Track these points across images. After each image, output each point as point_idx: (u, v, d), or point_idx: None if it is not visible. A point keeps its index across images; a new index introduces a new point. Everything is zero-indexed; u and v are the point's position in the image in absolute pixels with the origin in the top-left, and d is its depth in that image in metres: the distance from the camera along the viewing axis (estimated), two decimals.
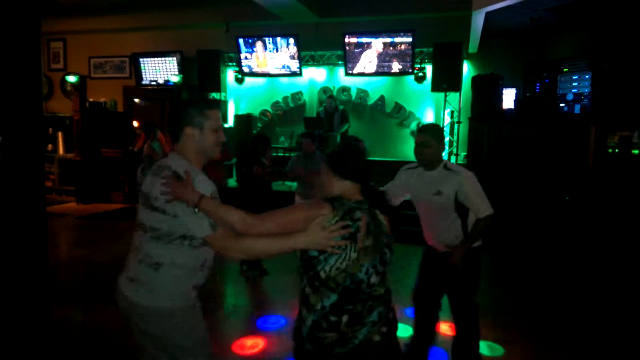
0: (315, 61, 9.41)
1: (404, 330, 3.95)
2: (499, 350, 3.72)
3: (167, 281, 1.87)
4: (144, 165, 6.88)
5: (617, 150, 5.25)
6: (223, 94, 9.82)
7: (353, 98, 9.37)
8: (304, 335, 1.74)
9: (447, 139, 8.52)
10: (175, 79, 10.06)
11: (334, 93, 9.22)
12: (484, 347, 3.75)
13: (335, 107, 8.57)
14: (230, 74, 10.05)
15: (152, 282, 1.87)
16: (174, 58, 10.07)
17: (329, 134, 8.37)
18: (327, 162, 1.85)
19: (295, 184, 6.03)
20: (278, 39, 9.15)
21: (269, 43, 9.23)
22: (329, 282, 1.69)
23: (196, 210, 1.75)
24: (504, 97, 7.01)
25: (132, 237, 1.97)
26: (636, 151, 5.17)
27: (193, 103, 2.01)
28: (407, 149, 8.98)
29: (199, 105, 1.97)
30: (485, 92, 7.02)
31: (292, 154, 6.96)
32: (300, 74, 9.34)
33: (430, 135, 2.83)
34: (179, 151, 1.93)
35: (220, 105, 9.53)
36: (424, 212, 3.01)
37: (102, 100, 10.43)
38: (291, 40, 9.05)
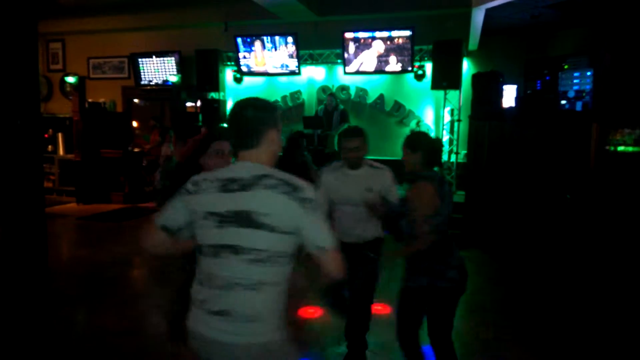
0: (314, 60, 9.38)
1: None
2: (500, 348, 3.71)
3: (271, 305, 1.64)
4: (166, 169, 6.55)
5: (619, 148, 5.23)
6: (222, 93, 9.80)
7: (352, 97, 9.34)
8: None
9: (447, 138, 8.50)
10: (173, 78, 10.04)
11: (333, 92, 9.19)
12: (483, 345, 3.73)
13: (336, 106, 8.53)
14: (228, 74, 10.02)
15: (254, 311, 1.61)
16: (173, 58, 10.05)
17: (327, 133, 8.34)
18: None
19: None
20: (277, 37, 9.12)
21: (268, 42, 9.20)
22: None
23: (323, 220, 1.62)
24: (505, 94, 6.98)
25: (204, 268, 1.68)
26: (638, 148, 5.14)
27: (268, 103, 1.76)
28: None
29: (273, 104, 1.80)
30: (485, 90, 6.99)
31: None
32: (299, 73, 9.31)
33: (362, 139, 3.09)
34: (254, 158, 1.68)
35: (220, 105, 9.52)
36: (350, 211, 3.09)
37: (102, 100, 10.41)
38: (290, 39, 9.02)
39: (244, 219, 1.60)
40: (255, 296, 1.60)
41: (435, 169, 2.79)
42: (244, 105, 1.69)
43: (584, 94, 6.21)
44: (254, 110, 1.67)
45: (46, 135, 10.25)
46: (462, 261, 2.76)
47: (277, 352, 1.64)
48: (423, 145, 2.73)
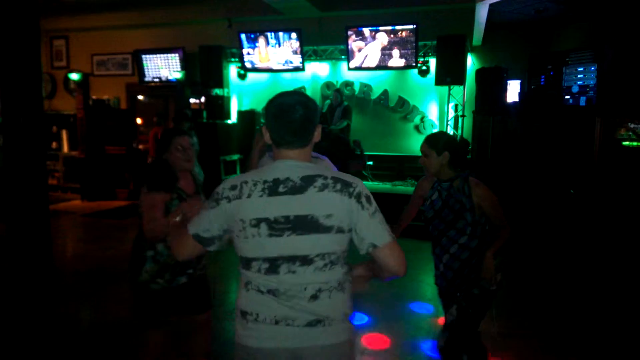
0: (318, 56, 9.37)
1: (408, 325, 3.94)
2: (501, 344, 3.71)
3: (348, 303, 1.62)
4: None
5: (623, 143, 5.21)
6: (226, 90, 9.80)
7: (356, 93, 9.32)
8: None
9: (451, 133, 8.48)
10: (177, 75, 10.05)
11: (338, 87, 9.18)
12: (484, 340, 3.74)
13: (340, 102, 8.53)
14: (232, 70, 10.03)
15: (340, 310, 1.58)
16: (176, 54, 10.05)
17: (323, 127, 8.32)
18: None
19: None
20: (280, 33, 9.11)
21: (272, 38, 9.20)
22: None
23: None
24: (509, 90, 6.95)
25: (262, 284, 1.56)
26: None
27: (314, 100, 1.66)
28: (411, 144, 8.95)
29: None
30: (489, 85, 6.97)
31: None
32: (303, 69, 9.30)
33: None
34: (299, 157, 1.60)
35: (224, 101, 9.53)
36: None
37: (105, 97, 10.44)
38: (293, 35, 9.01)
39: (305, 225, 1.50)
40: (341, 297, 1.58)
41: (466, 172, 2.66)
42: (293, 102, 1.56)
43: (588, 89, 6.18)
44: (305, 110, 1.56)
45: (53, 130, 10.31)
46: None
47: (351, 350, 1.65)
48: (448, 145, 2.58)
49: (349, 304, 1.62)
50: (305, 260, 1.52)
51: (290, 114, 1.55)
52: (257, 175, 1.56)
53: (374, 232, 1.53)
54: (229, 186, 1.56)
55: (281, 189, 1.51)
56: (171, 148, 2.51)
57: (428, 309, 4.40)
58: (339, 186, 1.51)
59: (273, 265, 1.53)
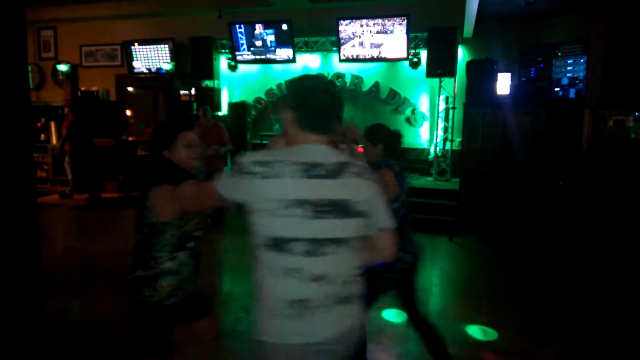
0: (309, 47, 9.33)
1: (398, 316, 3.98)
2: (493, 334, 3.75)
3: (362, 285, 1.69)
4: None
5: (611, 135, 5.24)
6: (216, 81, 9.74)
7: (348, 85, 9.30)
8: None
9: (442, 125, 8.50)
10: (167, 66, 9.97)
11: (330, 79, 9.15)
12: (478, 331, 3.78)
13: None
14: (223, 61, 9.96)
15: (360, 289, 1.66)
16: (166, 45, 9.96)
17: None
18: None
19: None
20: (271, 25, 9.06)
21: (262, 29, 9.14)
22: None
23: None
24: (499, 82, 6.97)
25: (302, 269, 1.51)
26: (632, 135, 5.16)
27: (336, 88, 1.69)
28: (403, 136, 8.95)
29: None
30: (480, 77, 6.98)
31: None
32: (294, 61, 9.27)
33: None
34: (327, 143, 1.60)
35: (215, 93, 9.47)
36: None
37: (94, 89, 10.33)
38: (284, 27, 8.96)
39: (342, 209, 1.51)
40: (361, 282, 1.66)
41: (392, 161, 2.91)
42: (319, 87, 1.55)
43: (577, 81, 6.21)
44: (332, 97, 1.57)
45: (39, 125, 10.19)
46: (417, 245, 2.95)
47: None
48: (382, 138, 2.92)
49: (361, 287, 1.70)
50: (343, 243, 1.54)
51: (318, 98, 1.54)
52: (290, 156, 1.52)
53: (384, 217, 1.65)
54: (257, 161, 1.50)
55: (319, 172, 1.51)
56: (178, 145, 2.23)
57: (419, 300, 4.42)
58: (366, 174, 1.61)
59: (312, 249, 1.50)
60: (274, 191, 1.47)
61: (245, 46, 9.39)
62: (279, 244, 1.49)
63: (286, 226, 1.48)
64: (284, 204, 1.46)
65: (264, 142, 6.63)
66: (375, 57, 8.73)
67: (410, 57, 8.60)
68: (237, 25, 9.22)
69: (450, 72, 7.98)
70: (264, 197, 1.47)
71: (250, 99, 9.83)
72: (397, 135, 3.05)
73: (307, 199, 1.47)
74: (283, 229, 1.48)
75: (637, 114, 4.98)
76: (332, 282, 1.53)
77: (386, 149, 2.92)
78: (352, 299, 1.60)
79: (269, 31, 9.13)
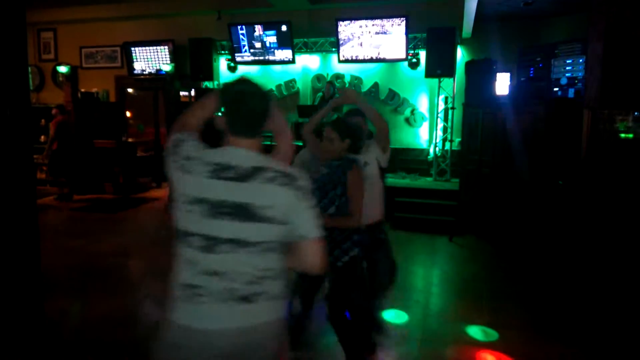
0: (309, 48, 9.34)
1: (399, 316, 3.98)
2: (494, 335, 3.75)
3: (282, 289, 1.67)
4: None
5: (621, 135, 5.23)
6: (216, 82, 9.75)
7: (347, 85, 9.31)
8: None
9: (441, 125, 8.51)
10: (167, 68, 9.98)
11: (329, 80, 9.16)
12: (478, 332, 3.78)
13: (332, 94, 8.51)
14: (222, 62, 9.97)
15: (272, 294, 1.63)
16: (166, 47, 9.98)
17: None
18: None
19: None
20: (270, 26, 9.07)
21: (261, 30, 9.15)
22: None
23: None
24: (498, 82, 6.98)
25: (200, 262, 1.58)
26: (630, 135, 5.16)
27: (267, 91, 1.69)
28: (402, 136, 8.98)
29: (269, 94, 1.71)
30: (479, 78, 6.99)
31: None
32: (293, 62, 9.28)
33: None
34: (250, 147, 1.63)
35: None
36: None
37: (94, 90, 10.33)
38: (283, 28, 8.97)
39: (243, 213, 1.54)
40: (274, 284, 1.62)
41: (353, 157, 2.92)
42: (247, 92, 1.61)
43: (576, 81, 6.22)
44: (260, 101, 1.61)
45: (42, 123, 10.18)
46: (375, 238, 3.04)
47: (281, 330, 1.69)
48: (351, 134, 2.88)
49: (283, 290, 1.67)
50: (243, 244, 1.55)
51: (246, 103, 1.60)
52: (206, 156, 1.59)
53: (306, 224, 1.60)
54: (186, 155, 1.59)
55: (228, 174, 1.55)
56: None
57: (419, 300, 4.43)
58: (285, 180, 1.57)
59: (209, 245, 1.55)
60: (183, 186, 1.57)
61: (244, 47, 9.40)
62: (182, 236, 1.59)
63: (187, 220, 1.57)
64: (187, 199, 1.55)
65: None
66: (374, 57, 8.74)
67: (409, 57, 8.61)
68: (238, 27, 9.23)
69: (449, 72, 7.99)
70: (177, 189, 1.58)
71: None
72: (361, 130, 3.08)
73: (207, 198, 1.54)
74: (185, 222, 1.57)
75: (636, 113, 4.98)
76: (228, 279, 1.56)
77: (351, 144, 2.88)
78: (256, 300, 1.58)
79: (268, 32, 9.15)
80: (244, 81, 1.65)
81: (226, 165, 1.56)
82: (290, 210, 1.58)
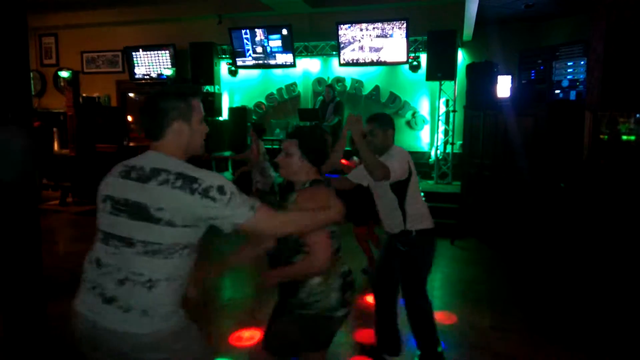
0: (309, 52, 9.35)
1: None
2: (495, 337, 3.74)
3: (162, 299, 1.59)
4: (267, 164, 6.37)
5: (622, 137, 5.23)
6: (217, 86, 9.77)
7: (348, 89, 9.33)
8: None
9: (442, 128, 8.51)
10: (168, 72, 10.00)
11: (330, 83, 9.17)
12: (479, 334, 3.77)
13: (332, 98, 8.52)
14: (223, 66, 9.99)
15: (145, 304, 1.56)
16: (167, 51, 10.00)
17: (319, 124, 8.34)
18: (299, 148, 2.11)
19: None
20: (271, 30, 9.10)
21: (262, 34, 9.17)
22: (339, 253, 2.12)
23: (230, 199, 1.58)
24: (499, 84, 6.98)
25: (95, 252, 1.68)
26: (632, 137, 5.15)
27: (176, 92, 1.70)
28: (403, 139, 8.97)
29: (183, 94, 1.70)
30: (480, 80, 6.99)
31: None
32: (294, 65, 9.29)
33: (377, 124, 3.09)
34: (160, 149, 1.67)
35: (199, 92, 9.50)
36: (376, 198, 3.17)
37: (96, 95, 10.35)
38: (284, 31, 8.99)
39: (137, 212, 1.57)
40: (148, 293, 1.57)
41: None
42: (155, 93, 1.69)
43: (577, 83, 6.22)
44: (161, 100, 1.66)
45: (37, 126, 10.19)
46: None
47: (166, 341, 1.60)
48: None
49: (165, 300, 1.60)
50: (129, 243, 1.58)
51: (144, 108, 1.68)
52: (128, 160, 1.70)
53: (232, 215, 1.59)
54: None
55: (132, 175, 1.62)
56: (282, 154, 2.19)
57: None
58: (179, 183, 1.55)
59: (107, 240, 1.63)
60: (102, 185, 1.70)
61: (246, 51, 9.42)
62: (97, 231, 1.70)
63: (98, 216, 1.69)
64: (101, 197, 1.68)
65: (266, 146, 6.64)
66: (375, 61, 8.74)
67: (410, 60, 8.62)
68: (242, 31, 9.25)
69: (450, 75, 7.99)
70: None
71: (250, 104, 9.85)
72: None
73: (111, 195, 1.64)
74: (98, 217, 1.69)
75: (637, 115, 4.97)
76: (105, 275, 1.61)
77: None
78: (120, 303, 1.56)
79: (269, 36, 9.16)
80: (165, 86, 1.76)
81: (134, 166, 1.64)
82: (199, 213, 1.56)
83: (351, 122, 2.64)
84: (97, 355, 1.67)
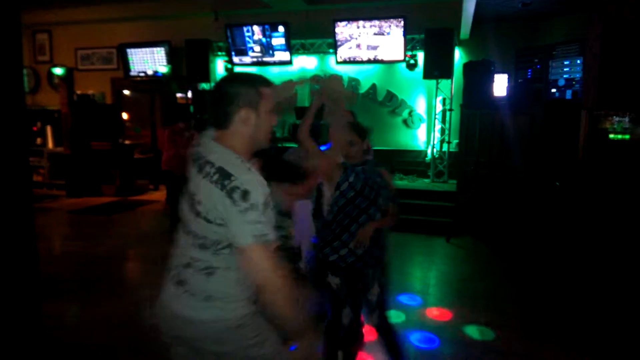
0: (306, 49, 9.32)
1: (396, 317, 3.97)
2: (490, 334, 3.75)
3: (223, 287, 1.56)
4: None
5: (609, 136, 5.25)
6: (213, 84, 9.72)
7: (345, 87, 9.30)
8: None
9: (439, 127, 8.51)
10: (163, 69, 9.94)
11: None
12: (475, 331, 3.77)
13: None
14: (219, 64, 9.94)
15: (206, 290, 1.55)
16: (162, 48, 9.93)
17: (316, 123, 8.31)
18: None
19: None
20: (268, 27, 9.06)
21: (259, 31, 9.14)
22: None
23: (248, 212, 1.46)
24: (496, 83, 6.98)
25: (177, 237, 1.68)
26: (627, 136, 5.17)
27: (245, 78, 1.63)
28: (400, 138, 8.96)
29: (252, 80, 1.61)
30: (476, 79, 6.98)
31: (285, 144, 6.91)
32: (291, 63, 9.26)
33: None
34: (221, 140, 1.58)
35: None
36: None
37: (90, 92, 10.30)
38: (281, 29, 8.96)
39: (191, 202, 1.59)
40: (206, 280, 1.56)
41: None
42: (222, 78, 1.66)
43: (574, 82, 6.23)
44: (229, 85, 1.58)
45: (35, 128, 10.14)
46: (374, 250, 2.88)
47: (230, 333, 1.58)
48: (366, 133, 2.81)
49: (227, 290, 1.58)
50: (187, 232, 1.61)
51: (213, 90, 1.63)
52: (199, 147, 1.65)
53: (236, 230, 1.48)
54: None
55: (196, 164, 1.61)
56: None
57: (417, 301, 4.42)
58: (216, 177, 1.50)
59: (182, 223, 1.66)
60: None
61: (242, 48, 9.38)
62: None
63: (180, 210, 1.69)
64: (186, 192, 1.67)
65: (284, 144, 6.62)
66: (372, 59, 8.73)
67: (407, 58, 8.60)
68: (244, 28, 9.20)
69: (447, 73, 7.98)
70: None
71: None
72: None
73: (189, 189, 1.62)
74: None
75: (633, 114, 4.99)
76: (178, 258, 1.64)
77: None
78: (187, 287, 1.58)
79: (265, 33, 9.12)
80: (226, 75, 1.72)
81: (199, 155, 1.61)
82: (220, 211, 1.49)
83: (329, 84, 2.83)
84: (176, 347, 1.68)
